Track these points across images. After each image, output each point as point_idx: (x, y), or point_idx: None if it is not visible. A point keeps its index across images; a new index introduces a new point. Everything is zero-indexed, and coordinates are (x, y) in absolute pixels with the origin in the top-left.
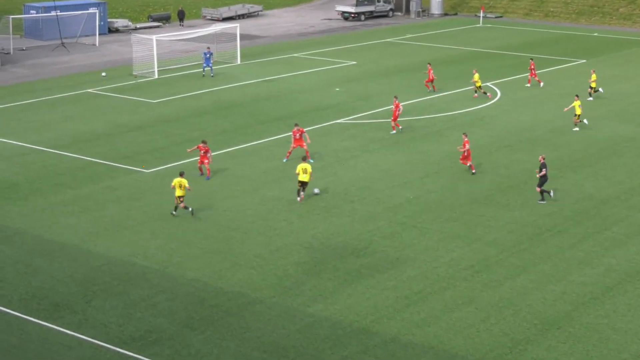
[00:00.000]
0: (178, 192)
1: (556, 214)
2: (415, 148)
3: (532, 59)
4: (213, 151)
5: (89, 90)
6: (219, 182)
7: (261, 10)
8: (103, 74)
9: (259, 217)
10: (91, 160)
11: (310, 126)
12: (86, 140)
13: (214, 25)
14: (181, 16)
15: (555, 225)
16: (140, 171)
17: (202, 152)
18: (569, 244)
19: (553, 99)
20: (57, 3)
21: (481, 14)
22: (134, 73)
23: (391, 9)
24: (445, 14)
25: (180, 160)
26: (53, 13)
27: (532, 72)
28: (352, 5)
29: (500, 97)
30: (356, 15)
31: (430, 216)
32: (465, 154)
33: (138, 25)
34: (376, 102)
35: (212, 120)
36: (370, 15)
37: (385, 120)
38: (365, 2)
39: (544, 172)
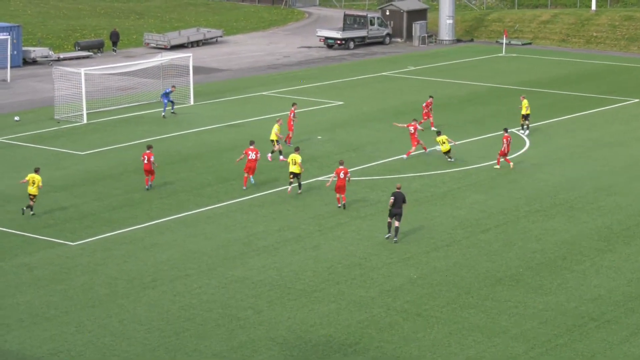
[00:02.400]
0: (31, 190)
1: (603, 299)
2: (420, 213)
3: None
4: (158, 218)
5: None
6: (167, 258)
7: (221, 36)
8: (16, 118)
9: (217, 303)
10: (0, 230)
11: (284, 185)
12: None
13: (159, 55)
14: (114, 39)
15: (603, 314)
16: (64, 245)
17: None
18: (619, 338)
19: (597, 150)
20: None
21: (504, 40)
22: (57, 117)
23: (388, 34)
24: (458, 40)
25: (117, 230)
26: None
27: (425, 113)
28: (337, 29)
29: (530, 147)
30: (343, 42)
31: (440, 302)
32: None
33: (62, 55)
34: (370, 154)
35: (158, 178)
36: (362, 42)
37: (382, 177)
38: (355, 26)
39: None
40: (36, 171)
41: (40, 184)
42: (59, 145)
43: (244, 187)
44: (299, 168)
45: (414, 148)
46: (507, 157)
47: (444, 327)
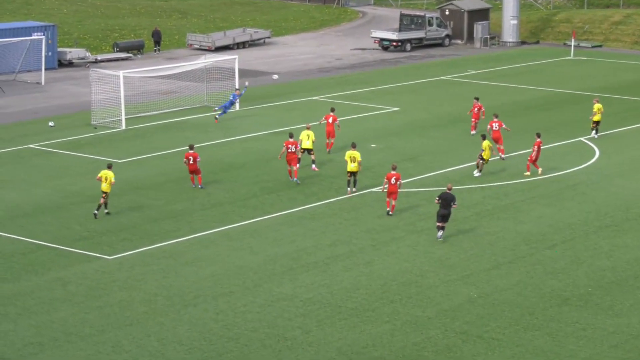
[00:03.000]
0: (104, 187)
1: None
2: (481, 228)
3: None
4: (201, 230)
5: (31, 145)
6: (210, 274)
7: (269, 37)
8: (51, 123)
9: (263, 322)
10: (33, 243)
11: (335, 197)
12: (27, 215)
13: (203, 57)
14: (156, 38)
15: None
16: (101, 259)
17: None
18: None
19: None
20: None
21: (572, 43)
22: (93, 122)
23: (447, 36)
24: (523, 42)
25: (156, 243)
26: None
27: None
28: (393, 30)
29: (600, 157)
30: (399, 43)
31: (502, 323)
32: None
33: (99, 57)
34: (427, 164)
35: (201, 188)
36: (419, 44)
37: (440, 188)
38: (412, 27)
39: None
40: (109, 167)
41: (113, 179)
42: (96, 152)
43: (290, 179)
44: (358, 166)
45: (501, 145)
46: (537, 163)
47: (506, 350)
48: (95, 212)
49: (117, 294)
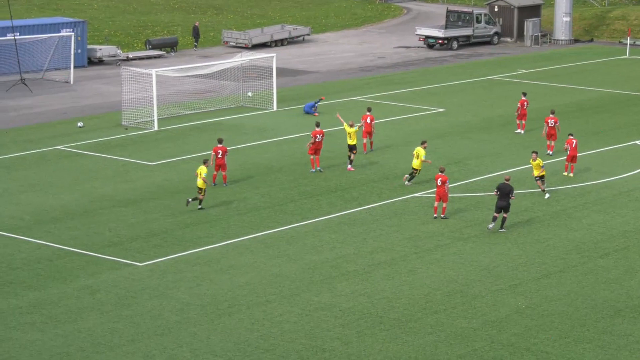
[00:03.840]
0: (198, 183)
1: None
2: (530, 235)
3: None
4: (236, 237)
5: (59, 147)
6: (245, 282)
7: (308, 34)
8: (79, 123)
9: (301, 333)
10: (61, 249)
11: (376, 202)
12: (54, 220)
13: (239, 54)
14: (196, 34)
15: None
16: (131, 265)
17: (218, 155)
18: None
19: None
20: (16, 22)
21: (628, 41)
22: (124, 123)
23: (496, 33)
24: (576, 41)
25: (189, 249)
26: (9, 36)
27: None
28: (439, 27)
29: None
30: (445, 41)
31: (551, 335)
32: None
33: (131, 55)
34: (474, 168)
35: (237, 191)
36: (466, 42)
37: (487, 194)
38: (459, 24)
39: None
40: (204, 162)
41: (204, 175)
42: (127, 154)
43: (312, 170)
44: (420, 164)
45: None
46: (573, 166)
47: None
48: (189, 199)
49: (148, 303)
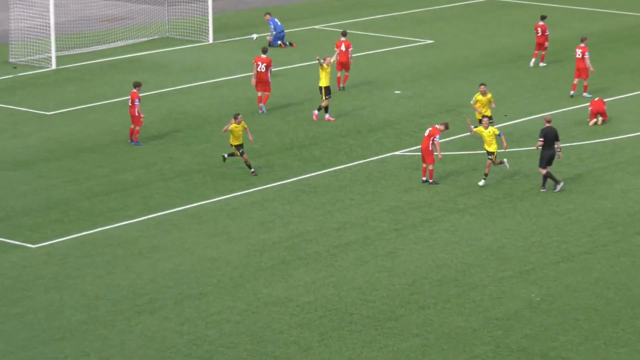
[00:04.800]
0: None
1: None
2: (547, 205)
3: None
4: (160, 209)
5: None
6: (172, 269)
7: None
8: None
9: (246, 336)
10: None
11: (345, 163)
12: None
13: None
14: None
15: None
16: (21, 247)
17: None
18: None
19: None
20: None
21: None
22: (12, 60)
23: None
24: None
25: (99, 226)
26: None
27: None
28: None
29: None
30: None
31: (575, 336)
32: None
33: None
34: (472, 118)
35: (161, 150)
36: None
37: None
38: None
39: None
40: (235, 117)
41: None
42: (16, 101)
43: (260, 111)
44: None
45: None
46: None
47: None
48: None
49: (44, 297)
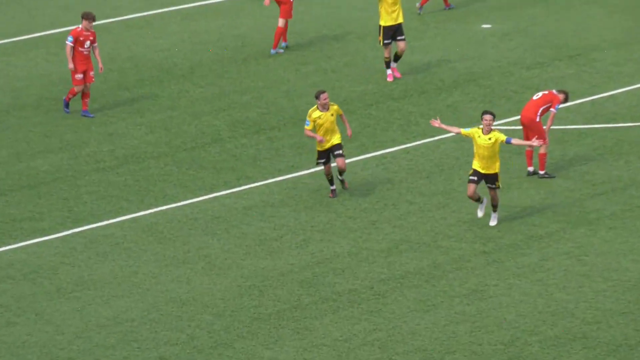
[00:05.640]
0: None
1: None
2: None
3: None
4: None
5: None
6: None
7: None
8: None
9: None
10: None
11: (399, 143)
12: None
13: None
14: None
15: None
16: None
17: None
18: None
19: None
20: None
21: None
22: None
23: None
24: None
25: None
26: None
27: None
28: None
29: None
30: None
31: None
32: None
33: None
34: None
35: (93, 121)
36: None
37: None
38: None
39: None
40: (318, 97)
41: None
42: None
43: (273, 50)
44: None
45: None
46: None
47: None
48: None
49: None
